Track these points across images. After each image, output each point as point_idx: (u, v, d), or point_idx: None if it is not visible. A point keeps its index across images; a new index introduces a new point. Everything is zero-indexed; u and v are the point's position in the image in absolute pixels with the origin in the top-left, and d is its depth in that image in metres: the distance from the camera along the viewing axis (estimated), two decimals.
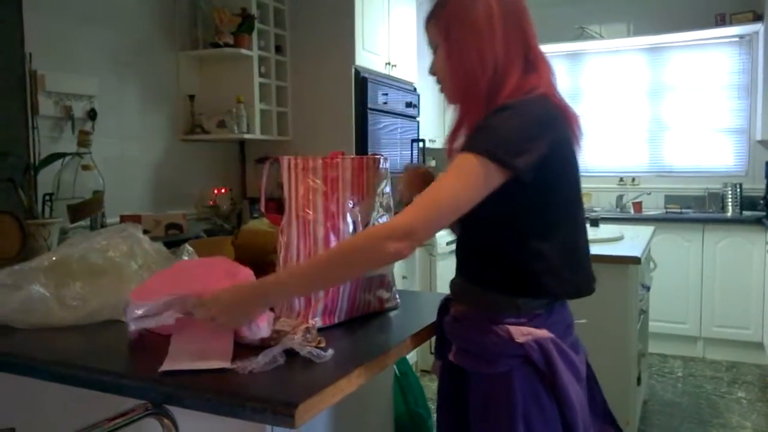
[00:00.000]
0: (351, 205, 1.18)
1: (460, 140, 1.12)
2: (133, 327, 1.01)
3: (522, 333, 1.07)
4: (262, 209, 1.27)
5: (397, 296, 1.33)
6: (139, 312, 0.99)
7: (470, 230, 1.16)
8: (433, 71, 1.17)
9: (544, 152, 1.04)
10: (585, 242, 1.16)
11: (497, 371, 1.08)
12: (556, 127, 1.09)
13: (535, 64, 1.13)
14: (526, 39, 1.13)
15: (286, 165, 1.14)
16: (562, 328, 1.13)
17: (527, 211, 1.08)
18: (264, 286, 1.01)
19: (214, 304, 0.98)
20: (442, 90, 1.18)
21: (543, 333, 1.09)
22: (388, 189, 1.27)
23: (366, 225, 1.20)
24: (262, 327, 0.98)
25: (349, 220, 1.16)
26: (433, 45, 1.16)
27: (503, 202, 1.05)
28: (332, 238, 1.14)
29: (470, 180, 1.00)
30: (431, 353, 4.10)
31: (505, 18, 1.10)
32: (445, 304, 1.24)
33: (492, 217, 1.08)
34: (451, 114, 1.19)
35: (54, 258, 1.28)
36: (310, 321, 1.11)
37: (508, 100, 1.06)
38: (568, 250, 1.12)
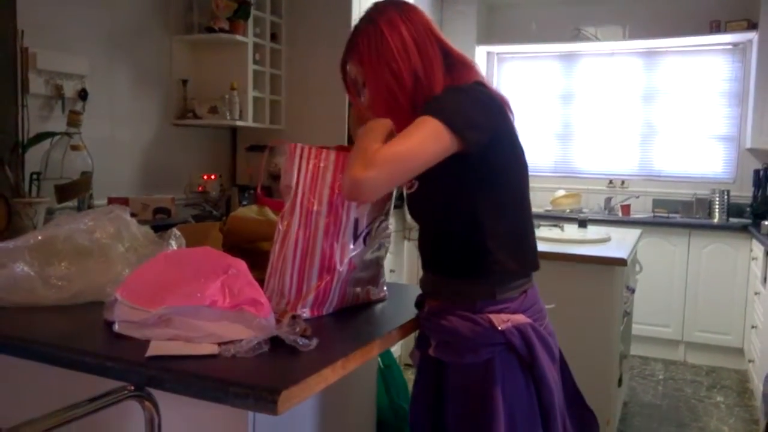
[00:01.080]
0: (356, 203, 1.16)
1: None
2: (118, 328, 0.99)
3: (502, 320, 1.11)
4: (259, 192, 1.27)
5: (385, 288, 1.33)
6: (132, 319, 0.97)
7: (430, 223, 1.20)
8: (367, 105, 1.19)
9: (493, 132, 1.08)
10: (531, 221, 1.22)
11: (480, 360, 1.10)
12: (501, 110, 1.13)
13: (458, 62, 1.17)
14: (440, 43, 1.16)
15: (298, 152, 1.14)
16: (537, 311, 1.18)
17: (480, 191, 1.11)
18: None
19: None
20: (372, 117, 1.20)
21: (521, 318, 1.13)
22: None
23: (371, 222, 1.19)
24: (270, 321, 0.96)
25: (353, 215, 1.15)
26: (359, 80, 1.19)
27: (457, 185, 1.10)
28: (332, 231, 1.13)
29: (432, 138, 1.02)
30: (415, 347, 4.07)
31: (416, 33, 1.14)
32: (421, 300, 1.26)
33: (447, 203, 1.13)
34: None
35: (40, 237, 1.26)
36: (299, 310, 1.11)
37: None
38: (520, 228, 1.18)
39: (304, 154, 1.14)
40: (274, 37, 3.35)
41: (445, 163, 1.04)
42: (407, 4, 1.18)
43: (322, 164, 1.14)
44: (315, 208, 1.12)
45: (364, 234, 1.18)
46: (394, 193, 1.29)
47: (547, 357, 1.14)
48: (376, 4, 1.20)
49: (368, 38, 1.14)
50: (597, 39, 4.55)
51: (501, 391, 1.09)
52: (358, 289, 1.24)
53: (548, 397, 1.13)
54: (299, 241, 1.12)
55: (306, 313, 1.13)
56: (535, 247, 1.21)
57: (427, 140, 1.02)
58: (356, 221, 1.16)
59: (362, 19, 1.19)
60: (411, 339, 4.05)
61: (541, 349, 1.13)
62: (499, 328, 1.10)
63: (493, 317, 1.11)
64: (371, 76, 1.15)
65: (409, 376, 3.42)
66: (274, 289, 1.12)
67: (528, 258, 1.18)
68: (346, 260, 1.15)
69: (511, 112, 1.16)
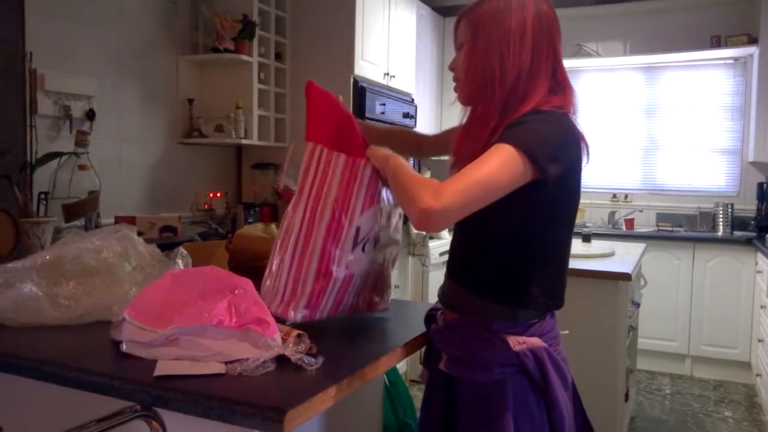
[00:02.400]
0: (360, 211, 1.17)
1: (469, 145, 1.10)
2: (125, 348, 1.00)
3: (518, 342, 1.09)
4: (281, 188, 1.28)
5: (389, 301, 1.33)
6: (140, 339, 0.98)
7: (474, 236, 1.15)
8: (452, 67, 1.17)
9: (569, 166, 1.06)
10: (568, 258, 1.20)
11: (491, 379, 1.09)
12: (579, 147, 1.10)
13: (562, 86, 1.13)
14: (556, 58, 1.12)
15: (311, 149, 1.16)
16: (553, 337, 1.16)
17: (540, 223, 1.09)
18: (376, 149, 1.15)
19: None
20: (455, 88, 1.18)
21: (537, 341, 1.11)
22: (386, 197, 1.27)
23: (367, 233, 1.20)
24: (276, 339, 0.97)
25: (355, 223, 1.16)
26: (459, 42, 1.15)
27: (519, 210, 1.05)
28: (333, 236, 1.14)
29: (509, 169, 0.97)
30: (421, 363, 4.09)
31: (539, 32, 1.08)
32: (432, 314, 1.25)
33: (503, 224, 1.08)
34: (461, 117, 1.19)
35: (47, 257, 1.28)
36: (293, 310, 1.11)
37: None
38: (560, 266, 1.17)
39: (317, 152, 1.15)
40: (278, 57, 3.39)
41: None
42: (546, 6, 1.11)
43: (331, 169, 1.15)
44: (318, 211, 1.13)
45: (364, 242, 1.19)
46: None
47: (560, 382, 1.13)
48: None
49: (494, 11, 1.08)
50: (598, 55, 4.58)
51: (512, 412, 1.08)
52: (360, 299, 1.24)
53: (560, 423, 1.11)
54: (300, 241, 1.12)
55: (300, 314, 1.12)
56: (565, 284, 1.18)
57: (503, 170, 0.97)
58: (358, 229, 1.17)
59: None
60: (416, 356, 4.03)
61: (555, 374, 1.11)
62: (515, 349, 1.09)
63: (509, 338, 1.10)
64: (477, 49, 1.09)
65: (415, 392, 3.42)
66: (270, 287, 1.12)
67: (558, 295, 1.16)
68: (343, 266, 1.15)
69: (587, 146, 1.13)
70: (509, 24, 1.07)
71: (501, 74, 1.07)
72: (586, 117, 4.75)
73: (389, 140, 1.46)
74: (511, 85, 1.07)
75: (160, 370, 0.91)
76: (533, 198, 1.04)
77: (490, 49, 1.08)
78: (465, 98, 1.16)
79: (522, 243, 1.10)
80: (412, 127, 3.89)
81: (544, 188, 1.03)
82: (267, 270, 1.15)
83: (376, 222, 1.20)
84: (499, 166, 0.97)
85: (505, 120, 1.07)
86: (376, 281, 1.27)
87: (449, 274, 1.21)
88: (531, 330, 1.12)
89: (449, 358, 1.15)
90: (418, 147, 1.55)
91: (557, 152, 1.03)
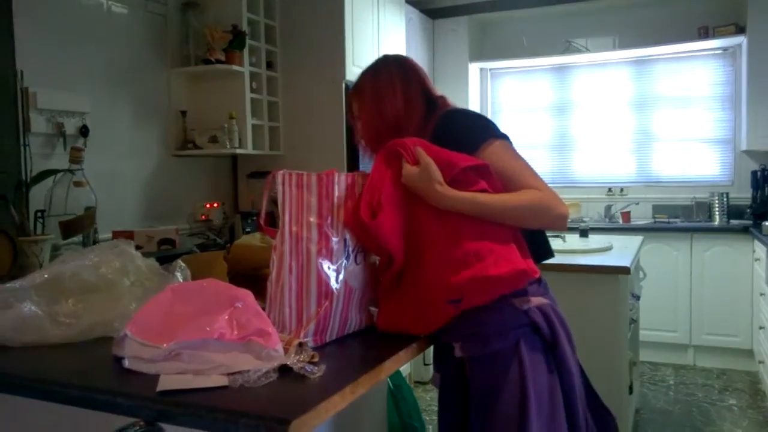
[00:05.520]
0: (344, 221, 1.18)
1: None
2: (128, 364, 1.00)
3: (522, 301, 1.17)
4: (261, 223, 1.28)
5: None
6: (142, 355, 0.97)
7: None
8: (359, 137, 1.41)
9: None
10: None
11: (509, 344, 1.14)
12: None
13: (439, 102, 1.36)
14: (427, 90, 1.36)
15: (281, 180, 1.14)
16: (552, 298, 1.24)
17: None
18: (457, 192, 1.15)
19: (424, 170, 1.15)
20: (363, 149, 1.41)
21: (541, 299, 1.19)
22: None
23: (356, 245, 1.20)
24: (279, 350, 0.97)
25: (342, 238, 1.17)
26: (356, 115, 1.41)
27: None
28: (324, 255, 1.14)
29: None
30: (425, 364, 4.09)
31: (407, 82, 1.34)
32: None
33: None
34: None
35: (46, 275, 1.28)
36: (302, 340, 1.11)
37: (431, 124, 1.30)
38: None
39: (286, 179, 1.14)
40: (270, 65, 3.40)
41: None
42: (407, 62, 1.40)
43: (305, 189, 1.14)
44: (305, 234, 1.12)
45: (356, 253, 1.19)
46: None
47: (566, 338, 1.19)
48: (384, 59, 1.42)
49: (369, 86, 1.37)
50: (588, 50, 4.60)
51: (530, 372, 1.13)
52: (362, 313, 1.24)
53: (569, 378, 1.17)
54: (293, 269, 1.11)
55: (309, 342, 1.12)
56: (546, 236, 1.35)
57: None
58: (345, 240, 1.17)
59: (369, 70, 1.41)
60: (420, 358, 4.01)
61: (562, 331, 1.18)
62: (523, 308, 1.16)
63: (514, 300, 1.16)
64: (365, 115, 1.37)
65: (419, 394, 3.41)
66: (275, 321, 1.11)
67: (544, 245, 1.31)
68: (341, 280, 1.15)
69: None
70: (381, 88, 1.34)
71: (383, 122, 1.32)
72: (578, 113, 4.76)
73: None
74: (393, 125, 1.31)
75: (163, 384, 0.91)
76: None
77: (373, 108, 1.34)
78: (370, 150, 1.37)
79: None
80: None
81: None
82: (267, 302, 1.14)
83: None
84: (519, 157, 1.24)
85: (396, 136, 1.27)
86: (373, 293, 1.27)
87: None
88: (531, 289, 1.19)
89: (463, 340, 1.18)
90: None
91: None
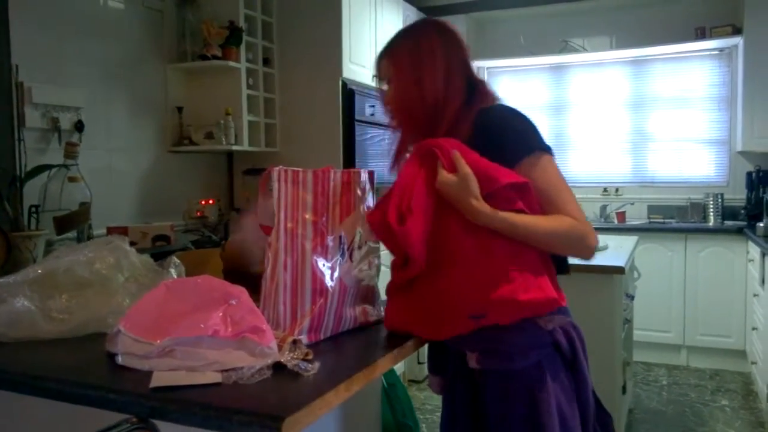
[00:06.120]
0: (339, 219, 1.18)
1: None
2: (121, 360, 1.00)
3: (547, 321, 1.14)
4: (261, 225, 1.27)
5: (382, 309, 1.33)
6: (136, 351, 0.97)
7: None
8: (386, 102, 1.30)
9: None
10: None
11: (530, 363, 1.12)
12: None
13: (481, 88, 1.27)
14: (468, 71, 1.26)
15: (276, 176, 1.14)
16: (570, 313, 1.22)
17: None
18: (493, 210, 1.09)
19: (462, 180, 1.08)
20: (389, 117, 1.32)
21: (562, 318, 1.17)
22: (371, 204, 1.28)
23: (351, 242, 1.20)
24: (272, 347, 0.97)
25: (337, 235, 1.17)
26: (385, 78, 1.29)
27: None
28: (319, 252, 1.14)
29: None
30: (419, 363, 4.08)
31: (449, 56, 1.23)
32: None
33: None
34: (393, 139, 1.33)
35: (39, 270, 1.27)
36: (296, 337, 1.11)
37: (457, 118, 1.20)
38: None
39: (282, 176, 1.13)
40: (266, 62, 3.39)
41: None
42: (449, 32, 1.27)
43: (301, 186, 1.14)
44: (300, 231, 1.12)
45: (351, 250, 1.19)
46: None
47: (584, 353, 1.19)
48: (424, 22, 1.30)
49: (408, 53, 1.24)
50: (585, 50, 4.61)
51: (552, 391, 1.12)
52: (356, 310, 1.24)
53: (586, 393, 1.17)
54: (288, 266, 1.11)
55: (304, 339, 1.12)
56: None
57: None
58: (340, 238, 1.17)
59: (407, 32, 1.29)
60: (414, 357, 4.00)
61: (580, 346, 1.18)
62: (546, 328, 1.14)
63: (539, 320, 1.14)
64: (400, 84, 1.25)
65: (413, 392, 3.41)
66: (269, 318, 1.11)
67: (561, 259, 1.26)
68: (336, 278, 1.15)
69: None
70: (419, 54, 1.23)
71: (421, 101, 1.22)
72: (574, 112, 4.77)
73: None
74: (431, 105, 1.21)
75: (156, 381, 0.91)
76: None
77: (409, 85, 1.23)
78: (397, 123, 1.29)
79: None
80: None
81: None
82: (261, 300, 1.13)
83: (356, 230, 1.20)
84: (560, 176, 1.17)
85: (435, 131, 1.19)
86: (367, 291, 1.27)
87: None
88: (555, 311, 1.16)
89: (480, 353, 1.15)
90: None
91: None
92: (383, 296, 1.36)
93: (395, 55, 1.26)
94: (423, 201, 1.10)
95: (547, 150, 1.17)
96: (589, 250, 1.15)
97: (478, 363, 1.15)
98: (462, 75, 1.24)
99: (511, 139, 1.16)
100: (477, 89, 1.25)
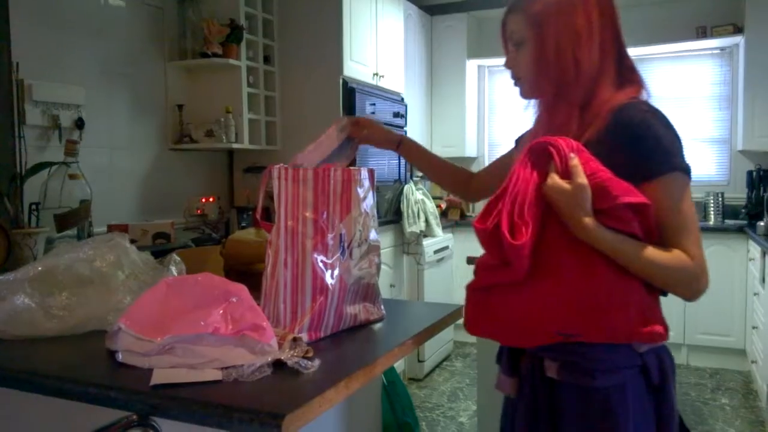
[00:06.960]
0: (340, 217, 1.18)
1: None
2: (122, 358, 1.00)
3: (640, 343, 1.03)
4: (257, 218, 1.27)
5: (383, 307, 1.33)
6: (136, 349, 0.97)
7: None
8: (510, 65, 1.13)
9: None
10: None
11: (613, 383, 1.02)
12: None
13: (630, 72, 1.10)
14: (620, 45, 1.09)
15: (277, 174, 1.14)
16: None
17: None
18: (602, 229, 0.96)
19: (575, 190, 0.95)
20: (519, 86, 1.14)
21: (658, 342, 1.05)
22: (371, 202, 1.28)
23: (351, 239, 1.20)
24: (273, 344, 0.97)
25: (338, 233, 1.17)
26: (515, 38, 1.10)
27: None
28: (320, 250, 1.14)
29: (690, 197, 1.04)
30: (419, 361, 4.07)
31: (603, 22, 1.06)
32: None
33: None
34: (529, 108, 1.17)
35: (40, 268, 1.27)
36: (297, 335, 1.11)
37: (610, 105, 1.04)
38: None
39: (282, 174, 1.12)
40: (267, 60, 3.39)
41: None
42: None
43: (301, 184, 1.14)
44: (300, 229, 1.12)
45: (351, 248, 1.19)
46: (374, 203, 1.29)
47: (673, 383, 1.08)
48: None
49: (558, 8, 1.05)
50: None
51: (632, 416, 1.02)
52: (356, 308, 1.24)
53: (669, 421, 1.06)
54: (288, 264, 1.11)
55: (304, 336, 1.12)
56: None
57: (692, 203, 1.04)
58: (341, 235, 1.17)
59: None
60: (414, 355, 3.99)
61: (671, 376, 1.08)
62: (640, 351, 1.03)
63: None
64: (547, 46, 1.05)
65: (413, 390, 3.41)
66: (269, 316, 1.11)
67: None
68: (336, 276, 1.15)
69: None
70: (575, 18, 1.04)
71: (577, 73, 1.05)
72: None
73: (440, 173, 1.51)
74: (587, 81, 1.05)
75: (157, 378, 0.91)
76: None
77: (561, 48, 1.04)
78: (537, 92, 1.12)
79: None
80: (402, 127, 3.90)
81: None
82: (262, 297, 1.13)
83: (356, 227, 1.20)
84: (691, 203, 1.03)
85: (585, 116, 1.05)
86: (367, 289, 1.27)
87: None
88: None
89: (562, 364, 1.05)
90: (468, 182, 1.49)
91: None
92: (383, 294, 1.37)
93: (530, 7, 1.06)
94: (536, 208, 0.98)
95: (686, 170, 1.02)
96: (696, 294, 1.04)
97: (558, 375, 1.05)
98: (615, 47, 1.07)
99: (652, 151, 1.00)
100: (624, 68, 1.09)
